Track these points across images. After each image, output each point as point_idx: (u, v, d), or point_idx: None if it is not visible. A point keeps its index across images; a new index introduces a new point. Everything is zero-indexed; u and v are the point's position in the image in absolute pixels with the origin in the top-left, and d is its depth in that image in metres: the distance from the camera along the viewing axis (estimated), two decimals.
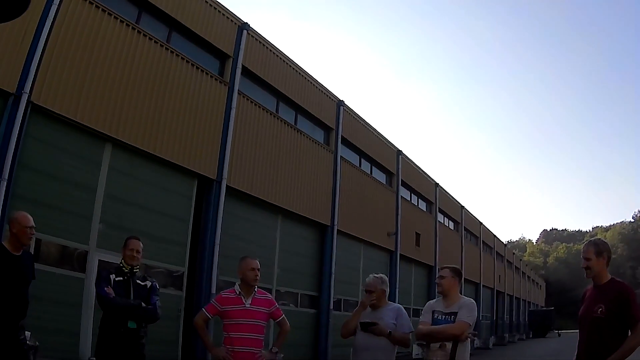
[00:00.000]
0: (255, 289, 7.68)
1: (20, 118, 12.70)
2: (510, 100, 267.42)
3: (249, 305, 7.50)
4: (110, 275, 7.56)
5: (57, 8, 13.67)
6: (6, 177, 12.31)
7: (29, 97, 12.94)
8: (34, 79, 13.04)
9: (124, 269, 7.67)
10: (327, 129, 27.74)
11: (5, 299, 6.91)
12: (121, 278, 7.59)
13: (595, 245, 6.72)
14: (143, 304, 7.56)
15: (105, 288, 7.41)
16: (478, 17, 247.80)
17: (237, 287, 7.65)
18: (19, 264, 7.17)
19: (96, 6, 14.98)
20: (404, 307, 8.01)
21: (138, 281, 7.75)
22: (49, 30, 13.46)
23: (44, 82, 13.39)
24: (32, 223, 7.25)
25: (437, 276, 7.60)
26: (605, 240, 7.12)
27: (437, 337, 7.08)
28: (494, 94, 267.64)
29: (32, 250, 11.44)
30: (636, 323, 6.17)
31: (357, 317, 7.68)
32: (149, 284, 7.88)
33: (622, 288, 6.46)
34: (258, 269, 7.65)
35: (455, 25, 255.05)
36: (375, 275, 7.98)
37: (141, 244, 7.87)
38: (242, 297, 7.54)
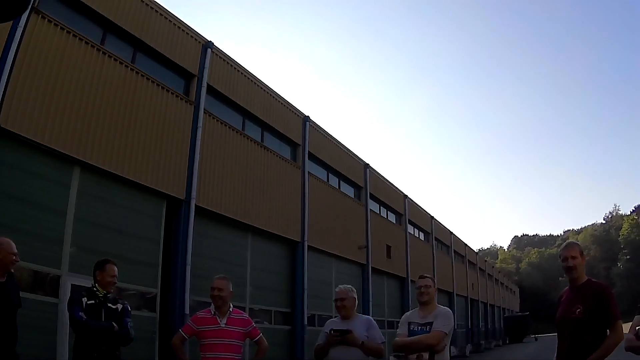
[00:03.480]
0: (231, 309, 7.70)
1: None
2: (476, 109, 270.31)
3: (224, 325, 7.51)
4: (83, 299, 7.51)
5: (23, 31, 13.60)
6: None
7: None
8: (0, 102, 12.94)
9: (97, 293, 7.62)
10: (293, 145, 27.82)
11: None
12: (93, 301, 7.54)
13: (578, 245, 6.93)
14: (115, 325, 7.53)
15: (80, 312, 7.38)
16: (445, 26, 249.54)
17: (212, 307, 7.67)
18: (4, 291, 7.12)
19: (61, 28, 14.93)
20: (378, 320, 8.04)
21: (109, 304, 7.71)
22: (15, 53, 13.37)
23: (10, 105, 13.27)
24: (16, 250, 7.25)
25: (421, 285, 7.57)
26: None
27: (413, 348, 7.11)
28: (460, 102, 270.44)
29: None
30: (615, 322, 6.28)
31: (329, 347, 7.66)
32: (120, 306, 7.85)
33: (599, 288, 6.58)
34: (218, 288, 7.65)
35: (419, 35, 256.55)
36: (344, 285, 8.03)
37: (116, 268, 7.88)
38: (217, 317, 7.56)
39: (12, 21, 13.27)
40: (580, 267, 6.74)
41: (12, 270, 7.37)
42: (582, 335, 6.37)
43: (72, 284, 14.16)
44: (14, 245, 7.28)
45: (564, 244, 7.14)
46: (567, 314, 6.64)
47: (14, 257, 7.23)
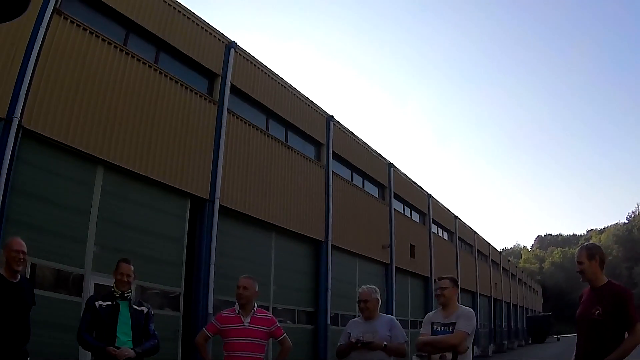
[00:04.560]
0: (255, 308, 7.67)
1: (12, 143, 12.68)
2: (500, 109, 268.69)
3: (247, 324, 7.49)
4: (96, 302, 7.45)
5: (45, 32, 13.68)
6: None
7: (20, 121, 12.92)
8: (24, 103, 13.03)
9: (115, 293, 7.61)
10: (317, 144, 27.80)
11: (6, 326, 6.93)
12: (109, 303, 7.49)
13: (587, 249, 6.91)
14: (112, 349, 7.35)
15: (85, 331, 7.35)
16: (469, 28, 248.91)
17: (237, 306, 7.65)
18: (17, 290, 7.19)
19: (84, 29, 15.00)
20: (401, 319, 8.02)
21: (135, 306, 7.67)
22: (37, 54, 13.46)
23: (34, 106, 13.38)
24: (21, 247, 7.27)
25: (437, 287, 7.59)
26: (598, 244, 7.27)
27: (436, 347, 7.08)
28: (483, 103, 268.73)
29: (27, 275, 11.43)
30: (634, 325, 6.31)
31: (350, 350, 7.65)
32: (145, 309, 7.81)
33: (618, 290, 6.61)
34: (244, 287, 7.64)
35: (444, 39, 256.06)
36: (368, 285, 8.00)
37: (132, 267, 7.80)
38: (242, 316, 7.54)
39: (33, 22, 13.41)
40: (588, 270, 6.80)
41: (20, 269, 7.38)
42: (600, 337, 6.44)
43: (95, 283, 14.26)
44: (21, 243, 7.32)
45: (579, 246, 7.17)
46: (586, 314, 6.71)
47: (16, 254, 7.23)
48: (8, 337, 6.98)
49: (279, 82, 24.63)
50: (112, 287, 7.67)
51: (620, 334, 6.39)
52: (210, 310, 17.92)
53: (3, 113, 12.72)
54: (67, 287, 14.37)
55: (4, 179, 12.41)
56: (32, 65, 13.35)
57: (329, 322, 25.96)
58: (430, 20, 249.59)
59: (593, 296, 6.76)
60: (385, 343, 7.34)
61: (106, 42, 15.76)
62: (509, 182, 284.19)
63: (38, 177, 13.82)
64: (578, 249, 7.07)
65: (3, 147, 12.57)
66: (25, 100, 13.10)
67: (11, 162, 12.67)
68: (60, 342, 13.17)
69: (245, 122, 21.86)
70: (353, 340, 7.44)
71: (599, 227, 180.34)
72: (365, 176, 33.45)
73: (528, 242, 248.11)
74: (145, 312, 7.80)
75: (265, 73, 23.65)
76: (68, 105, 14.43)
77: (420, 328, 7.78)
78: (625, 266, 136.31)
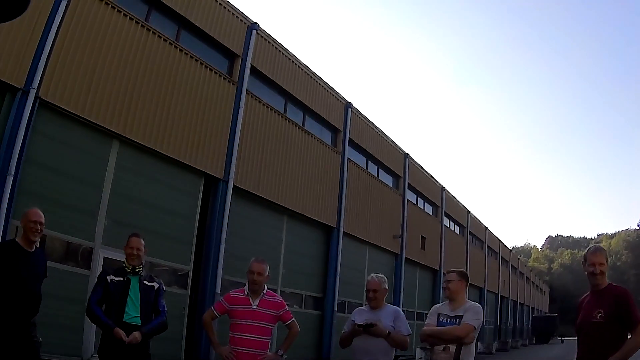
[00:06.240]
0: (265, 291, 7.60)
1: (28, 113, 12.73)
2: (516, 107, 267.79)
3: (255, 307, 7.41)
4: (108, 277, 7.43)
5: (67, 4, 13.70)
6: (12, 173, 12.35)
7: (37, 92, 12.96)
8: (42, 74, 13.06)
9: (126, 268, 7.57)
10: (334, 130, 27.75)
11: (17, 295, 7.00)
12: (120, 278, 7.47)
13: (605, 251, 6.91)
14: (120, 332, 7.23)
15: (95, 304, 7.35)
16: (487, 23, 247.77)
17: (246, 288, 7.58)
18: (31, 260, 7.26)
19: (105, 3, 15.00)
20: (408, 311, 7.95)
21: (145, 282, 7.64)
22: (57, 26, 13.48)
23: (52, 77, 13.41)
24: (38, 218, 7.31)
25: (444, 280, 7.56)
26: (608, 249, 7.33)
27: (441, 338, 7.06)
28: (500, 100, 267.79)
29: (37, 245, 11.44)
30: (637, 325, 6.28)
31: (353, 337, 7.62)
32: (156, 285, 7.76)
33: (620, 292, 6.62)
34: (258, 273, 7.50)
35: (462, 30, 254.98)
36: (377, 274, 7.94)
37: (142, 242, 7.75)
38: (250, 298, 7.47)
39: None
40: (605, 273, 6.78)
41: (36, 240, 7.50)
42: (602, 339, 6.41)
43: (104, 257, 14.30)
44: (38, 213, 7.37)
45: (592, 248, 7.07)
46: (587, 318, 6.68)
47: (34, 225, 7.29)
48: (18, 306, 7.00)
49: (299, 66, 24.59)
50: (123, 262, 7.64)
51: (622, 337, 6.38)
52: (218, 290, 17.97)
53: (21, 83, 12.76)
54: (76, 259, 14.44)
55: (18, 150, 12.49)
56: (52, 37, 13.38)
57: (336, 308, 25.99)
58: (459, 8, 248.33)
59: (594, 300, 6.73)
60: (389, 330, 7.32)
61: (127, 17, 15.76)
62: (523, 181, 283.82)
63: (52, 148, 13.88)
64: (591, 251, 6.91)
65: (19, 117, 12.64)
66: (43, 71, 13.13)
67: (26, 132, 12.73)
68: (66, 313, 13.23)
69: (264, 104, 21.85)
70: (356, 325, 7.41)
71: (610, 231, 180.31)
72: (381, 165, 33.39)
73: (539, 241, 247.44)
74: (155, 288, 7.75)
75: (285, 56, 23.61)
76: (86, 78, 14.45)
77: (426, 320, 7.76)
78: (633, 272, 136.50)
